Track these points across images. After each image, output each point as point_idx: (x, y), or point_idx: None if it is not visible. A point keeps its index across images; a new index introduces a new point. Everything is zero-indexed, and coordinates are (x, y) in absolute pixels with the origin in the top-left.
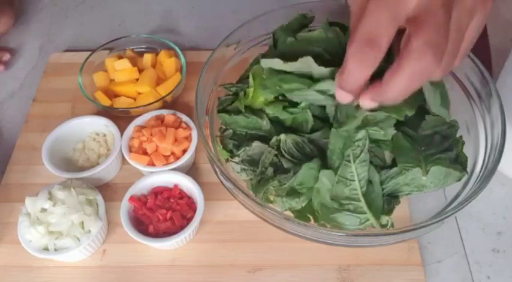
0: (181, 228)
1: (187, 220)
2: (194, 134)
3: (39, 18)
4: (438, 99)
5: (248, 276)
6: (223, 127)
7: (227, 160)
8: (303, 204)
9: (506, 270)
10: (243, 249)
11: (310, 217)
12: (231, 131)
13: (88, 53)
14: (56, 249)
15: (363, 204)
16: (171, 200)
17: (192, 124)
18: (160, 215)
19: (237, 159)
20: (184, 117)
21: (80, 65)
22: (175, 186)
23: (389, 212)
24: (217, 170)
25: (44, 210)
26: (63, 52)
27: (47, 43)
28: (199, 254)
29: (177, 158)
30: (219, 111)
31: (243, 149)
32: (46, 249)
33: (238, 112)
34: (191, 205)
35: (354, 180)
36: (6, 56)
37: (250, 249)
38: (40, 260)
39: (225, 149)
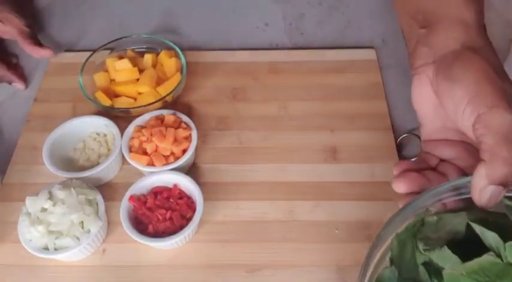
0: (180, 228)
1: (186, 220)
2: (194, 134)
3: (39, 19)
4: None
5: (247, 276)
6: None
7: None
8: None
9: None
10: (242, 249)
11: None
12: None
13: (89, 53)
14: (55, 249)
15: None
16: (171, 200)
17: (191, 124)
18: (160, 214)
19: None
20: (184, 118)
21: (80, 65)
22: (175, 186)
23: None
24: None
25: (44, 209)
26: (63, 52)
27: (47, 43)
28: (198, 254)
29: (177, 158)
30: None
31: None
32: (46, 248)
33: None
34: (190, 205)
35: None
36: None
37: (250, 250)
38: (40, 259)
39: None
